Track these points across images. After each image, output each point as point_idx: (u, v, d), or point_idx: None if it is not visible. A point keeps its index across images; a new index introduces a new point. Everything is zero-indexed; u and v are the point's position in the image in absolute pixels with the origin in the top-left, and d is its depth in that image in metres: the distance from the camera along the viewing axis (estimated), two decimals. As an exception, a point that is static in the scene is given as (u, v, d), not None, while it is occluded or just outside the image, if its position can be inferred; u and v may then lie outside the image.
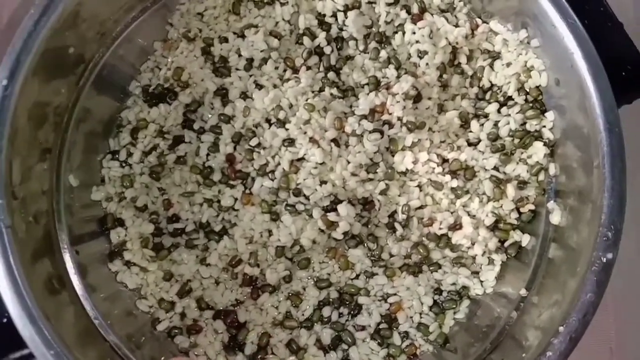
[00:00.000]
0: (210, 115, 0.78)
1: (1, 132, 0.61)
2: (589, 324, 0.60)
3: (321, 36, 0.78)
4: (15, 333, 0.57)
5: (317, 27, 0.79)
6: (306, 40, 0.78)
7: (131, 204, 0.75)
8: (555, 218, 0.72)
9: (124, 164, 0.76)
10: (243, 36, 0.79)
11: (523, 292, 0.72)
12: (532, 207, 0.75)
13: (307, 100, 0.74)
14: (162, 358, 0.70)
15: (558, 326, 0.61)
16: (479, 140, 0.77)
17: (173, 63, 0.79)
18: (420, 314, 0.75)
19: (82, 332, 0.65)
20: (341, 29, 0.80)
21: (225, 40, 0.79)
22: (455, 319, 0.75)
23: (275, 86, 0.77)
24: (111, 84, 0.76)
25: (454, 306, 0.75)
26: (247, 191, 0.75)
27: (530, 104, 0.76)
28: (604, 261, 0.61)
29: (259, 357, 0.72)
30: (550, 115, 0.75)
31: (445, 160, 0.76)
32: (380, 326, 0.74)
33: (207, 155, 0.77)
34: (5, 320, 0.58)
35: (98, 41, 0.74)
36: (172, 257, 0.75)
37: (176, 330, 0.72)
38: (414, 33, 0.78)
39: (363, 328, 0.74)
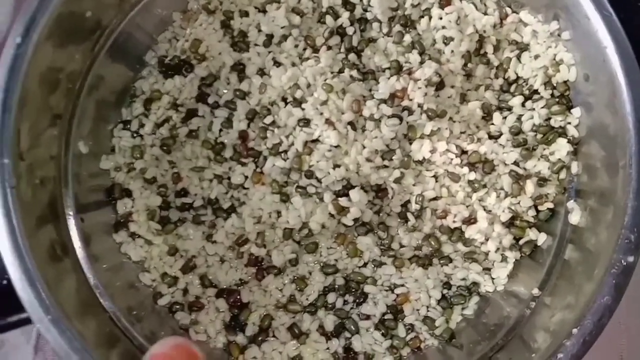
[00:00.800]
0: (225, 90, 0.76)
1: (12, 91, 0.60)
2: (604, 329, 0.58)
3: (344, 16, 0.76)
4: (15, 296, 0.57)
5: (340, 6, 0.77)
6: (329, 19, 0.76)
7: (140, 175, 0.74)
8: (575, 218, 0.70)
9: (135, 135, 0.75)
10: (264, 11, 0.77)
11: (535, 292, 0.70)
12: (551, 205, 0.73)
13: (325, 80, 0.72)
14: (162, 333, 0.69)
15: (570, 329, 0.59)
16: (501, 134, 0.75)
17: (191, 35, 0.78)
18: (427, 307, 0.73)
19: (82, 300, 0.64)
20: (365, 10, 0.77)
21: (246, 14, 0.78)
22: (462, 314, 0.74)
23: (293, 64, 0.75)
24: (127, 52, 0.75)
25: (463, 302, 0.74)
26: (259, 170, 0.74)
27: (557, 99, 0.74)
28: (624, 264, 0.59)
29: (260, 338, 0.71)
30: (576, 111, 0.72)
31: (464, 152, 0.74)
32: (386, 317, 0.73)
33: (220, 130, 0.75)
34: (5, 282, 0.57)
35: (116, 8, 0.72)
36: (178, 232, 0.74)
37: (177, 306, 0.72)
38: (441, 18, 0.76)
39: (368, 317, 0.73)
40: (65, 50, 0.67)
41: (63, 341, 0.56)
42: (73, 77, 0.69)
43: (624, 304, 0.60)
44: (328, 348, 0.72)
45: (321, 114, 0.71)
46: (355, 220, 0.72)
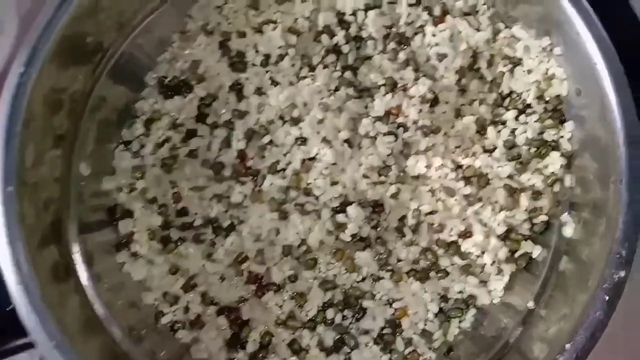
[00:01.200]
0: (224, 110, 0.77)
1: (16, 117, 0.61)
2: (597, 343, 0.59)
3: (340, 35, 0.77)
4: (19, 321, 0.58)
5: (336, 25, 0.78)
6: (325, 38, 0.77)
7: (141, 196, 0.75)
8: (568, 231, 0.71)
9: (136, 155, 0.76)
10: (261, 31, 0.78)
11: (531, 304, 0.71)
12: (545, 218, 0.74)
13: (322, 99, 0.74)
14: (162, 353, 0.70)
15: (565, 343, 0.60)
16: (495, 148, 0.76)
17: (190, 56, 0.79)
18: (425, 321, 0.74)
19: (85, 322, 0.65)
20: (360, 28, 0.79)
21: (243, 35, 0.79)
22: (460, 327, 0.75)
23: (291, 83, 0.76)
24: (127, 73, 0.76)
25: (460, 315, 0.74)
26: (257, 188, 0.75)
27: (549, 113, 0.75)
28: (616, 279, 0.60)
29: (260, 355, 0.72)
30: (569, 125, 0.73)
31: (459, 166, 0.75)
32: (384, 331, 0.74)
33: (219, 150, 0.76)
34: (9, 308, 0.58)
35: (116, 31, 0.73)
36: (179, 251, 0.74)
37: (179, 325, 0.73)
38: (434, 35, 0.77)
39: (366, 332, 0.74)
40: (67, 72, 0.68)
41: (67, 365, 0.57)
42: (75, 99, 0.70)
43: (622, 318, 0.60)
44: (328, 363, 0.73)
45: (318, 132, 0.72)
46: (353, 235, 0.73)
